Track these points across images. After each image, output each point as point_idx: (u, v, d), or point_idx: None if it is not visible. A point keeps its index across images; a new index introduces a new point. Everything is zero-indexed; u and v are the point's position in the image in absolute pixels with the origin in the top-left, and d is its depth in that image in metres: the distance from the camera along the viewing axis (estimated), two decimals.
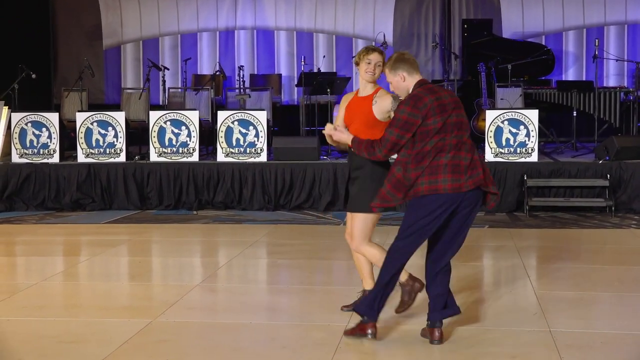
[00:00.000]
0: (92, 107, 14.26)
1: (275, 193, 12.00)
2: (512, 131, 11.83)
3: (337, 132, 5.93)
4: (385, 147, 5.61)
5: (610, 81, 16.48)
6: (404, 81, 5.77)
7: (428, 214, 5.54)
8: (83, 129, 12.46)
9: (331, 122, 13.12)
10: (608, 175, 11.45)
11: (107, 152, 12.44)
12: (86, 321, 6.42)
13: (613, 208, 11.22)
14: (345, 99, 6.38)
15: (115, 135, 12.45)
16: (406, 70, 5.76)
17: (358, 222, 6.14)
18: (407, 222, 5.65)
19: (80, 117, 12.55)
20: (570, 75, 16.63)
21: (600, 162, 11.68)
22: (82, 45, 17.16)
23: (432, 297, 5.89)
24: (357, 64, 6.24)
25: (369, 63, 6.17)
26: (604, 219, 11.00)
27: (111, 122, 12.45)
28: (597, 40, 13.76)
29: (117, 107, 14.21)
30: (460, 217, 5.64)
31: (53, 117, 12.70)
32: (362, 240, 6.18)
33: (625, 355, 5.49)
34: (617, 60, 15.77)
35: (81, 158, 12.46)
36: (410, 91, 5.75)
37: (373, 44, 15.74)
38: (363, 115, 6.15)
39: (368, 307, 5.77)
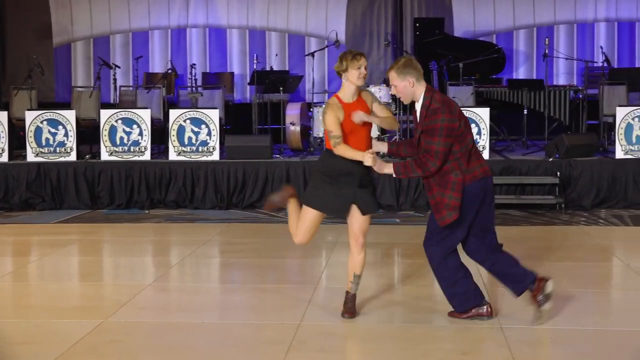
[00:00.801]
0: (42, 105, 14.10)
1: (228, 192, 11.96)
2: None
3: (378, 165, 6.02)
4: (438, 159, 5.82)
5: (560, 80, 16.66)
6: (412, 87, 5.94)
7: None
8: (33, 128, 12.33)
9: (284, 121, 13.16)
10: (558, 173, 11.57)
11: (58, 151, 12.32)
12: (37, 322, 6.36)
13: (563, 205, 11.34)
14: (338, 109, 6.13)
15: (66, 134, 12.33)
16: (415, 76, 5.94)
17: (367, 222, 6.37)
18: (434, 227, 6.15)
19: (30, 116, 12.41)
20: (520, 73, 16.79)
21: (551, 159, 11.80)
22: (32, 43, 16.95)
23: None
24: (344, 70, 6.12)
25: (359, 68, 6.11)
26: (554, 216, 11.12)
27: (61, 120, 12.33)
28: (547, 39, 13.89)
29: (67, 106, 14.06)
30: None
31: (2, 116, 12.53)
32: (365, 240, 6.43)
33: (575, 351, 5.56)
34: (566, 59, 15.94)
35: (31, 157, 12.33)
36: (418, 97, 5.95)
37: (325, 42, 15.77)
38: (365, 123, 6.20)
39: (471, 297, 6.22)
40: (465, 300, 6.20)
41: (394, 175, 6.06)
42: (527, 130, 13.66)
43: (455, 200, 5.89)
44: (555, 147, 11.88)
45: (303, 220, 6.35)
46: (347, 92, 6.19)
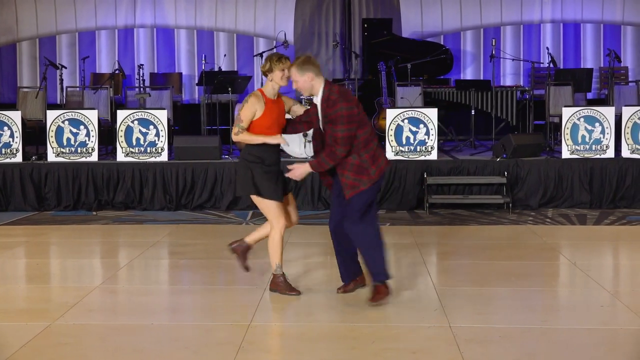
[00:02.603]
0: None
1: (177, 193, 11.90)
2: (412, 129, 11.97)
3: (296, 170, 6.78)
4: (345, 144, 6.44)
5: (507, 80, 16.83)
6: (311, 81, 6.55)
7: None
8: None
9: (232, 122, 13.13)
10: (505, 173, 11.68)
11: (3, 152, 12.15)
12: None
13: (510, 205, 11.45)
14: (260, 101, 6.78)
15: (11, 135, 12.17)
16: (314, 72, 6.56)
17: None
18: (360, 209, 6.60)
19: None
20: (468, 74, 16.93)
21: (498, 159, 11.91)
22: None
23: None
24: (269, 71, 6.75)
25: (283, 70, 6.71)
26: (501, 216, 11.22)
27: (7, 121, 12.17)
28: (494, 40, 14.03)
29: (12, 106, 13.89)
30: None
31: None
32: None
33: (523, 349, 5.61)
34: (513, 59, 16.09)
35: None
36: (318, 91, 6.57)
37: (274, 43, 15.76)
38: (281, 117, 6.89)
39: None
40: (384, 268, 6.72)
41: (312, 171, 6.71)
42: (475, 130, 13.78)
43: (351, 180, 6.52)
44: (503, 147, 11.99)
45: (269, 210, 6.91)
46: (269, 89, 6.81)
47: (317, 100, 6.62)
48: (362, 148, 6.51)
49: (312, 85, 6.57)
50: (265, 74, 6.81)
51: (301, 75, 6.56)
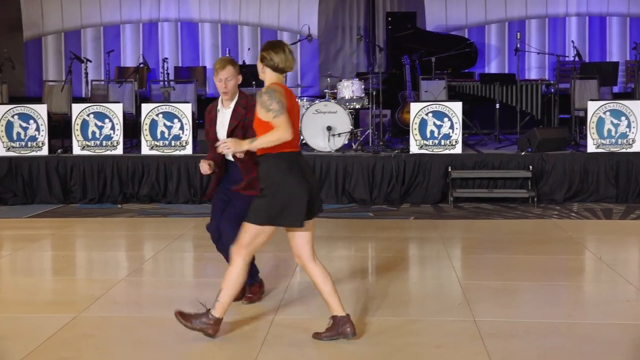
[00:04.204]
0: (13, 99, 14.01)
1: (201, 186, 11.92)
2: (436, 123, 11.94)
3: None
4: None
5: (532, 74, 16.76)
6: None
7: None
8: (4, 122, 12.23)
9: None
10: (530, 167, 11.63)
11: (29, 145, 12.23)
12: (9, 317, 6.32)
13: (535, 199, 11.40)
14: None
15: (37, 129, 12.25)
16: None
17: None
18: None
19: (1, 110, 12.31)
20: (492, 68, 16.87)
21: (523, 153, 11.85)
22: (2, 37, 16.81)
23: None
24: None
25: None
26: (526, 210, 11.17)
27: (33, 115, 12.24)
28: (518, 33, 13.95)
29: (38, 100, 13.97)
30: None
31: None
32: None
33: (548, 344, 5.59)
34: (538, 53, 16.02)
35: (2, 152, 12.23)
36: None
37: (298, 36, 15.76)
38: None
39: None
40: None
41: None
42: (500, 124, 13.72)
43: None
44: (528, 141, 11.94)
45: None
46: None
47: (231, 105, 6.35)
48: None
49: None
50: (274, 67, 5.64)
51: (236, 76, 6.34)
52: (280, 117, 5.28)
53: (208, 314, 5.63)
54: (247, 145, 5.40)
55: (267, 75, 5.58)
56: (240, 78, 6.35)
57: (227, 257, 6.25)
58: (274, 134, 5.28)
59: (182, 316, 5.67)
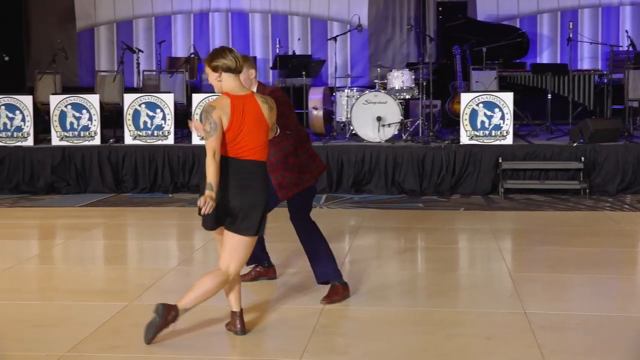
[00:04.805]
0: (66, 89, 14.16)
1: None
2: (487, 114, 11.87)
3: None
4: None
5: (585, 64, 16.54)
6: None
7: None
8: (57, 112, 12.38)
9: (306, 106, 13.18)
10: (582, 158, 11.51)
11: (82, 135, 12.37)
12: (62, 305, 6.40)
13: (587, 190, 11.28)
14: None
15: (90, 118, 12.37)
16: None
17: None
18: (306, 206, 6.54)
19: (54, 100, 12.46)
20: (544, 58, 16.69)
21: (575, 144, 11.74)
22: (55, 28, 16.99)
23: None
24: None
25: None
26: (578, 202, 11.06)
27: (85, 105, 12.37)
28: (571, 23, 13.80)
29: (91, 90, 14.10)
30: None
31: (27, 100, 12.61)
32: None
33: (599, 337, 5.53)
34: (591, 43, 15.83)
35: (55, 141, 12.39)
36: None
37: (348, 26, 15.72)
38: None
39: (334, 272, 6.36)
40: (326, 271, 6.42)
41: None
42: (551, 114, 13.59)
43: (289, 178, 6.31)
44: (580, 131, 11.82)
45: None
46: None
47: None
48: (299, 148, 6.31)
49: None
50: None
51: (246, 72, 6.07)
52: (208, 140, 5.21)
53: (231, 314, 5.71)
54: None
55: (224, 83, 5.40)
56: (252, 72, 6.17)
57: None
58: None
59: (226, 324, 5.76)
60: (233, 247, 5.46)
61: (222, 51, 5.42)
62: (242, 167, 5.36)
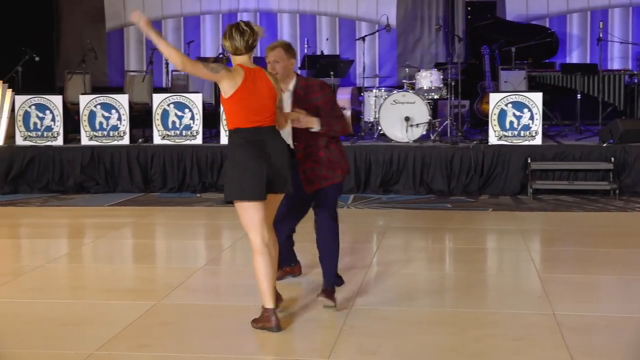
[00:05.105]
0: (96, 89, 14.26)
1: None
2: (516, 114, 11.81)
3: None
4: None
5: (615, 64, 16.43)
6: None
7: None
8: (87, 112, 12.46)
9: None
10: (612, 159, 11.43)
11: (111, 134, 12.43)
12: (90, 303, 6.44)
13: (617, 191, 11.20)
14: None
15: (119, 118, 12.44)
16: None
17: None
18: (335, 202, 6.32)
19: (84, 100, 12.54)
20: (574, 58, 16.59)
21: (605, 145, 11.66)
22: (85, 28, 17.10)
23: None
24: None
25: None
26: (608, 202, 10.98)
27: (115, 104, 12.44)
28: (601, 22, 13.72)
29: (120, 90, 14.19)
30: None
31: (56, 100, 12.70)
32: None
33: (629, 338, 5.49)
34: (621, 42, 15.72)
35: (85, 141, 12.46)
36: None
37: (376, 26, 15.71)
38: None
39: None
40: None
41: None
42: (581, 115, 13.51)
43: (321, 172, 6.18)
44: (610, 132, 11.74)
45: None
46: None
47: (290, 86, 6.23)
48: (331, 143, 6.22)
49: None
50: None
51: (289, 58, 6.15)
52: (204, 69, 5.76)
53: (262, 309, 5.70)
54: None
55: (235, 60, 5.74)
56: (293, 62, 6.15)
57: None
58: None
59: (253, 321, 5.74)
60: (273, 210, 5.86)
61: (226, 32, 5.78)
62: (257, 133, 5.56)
